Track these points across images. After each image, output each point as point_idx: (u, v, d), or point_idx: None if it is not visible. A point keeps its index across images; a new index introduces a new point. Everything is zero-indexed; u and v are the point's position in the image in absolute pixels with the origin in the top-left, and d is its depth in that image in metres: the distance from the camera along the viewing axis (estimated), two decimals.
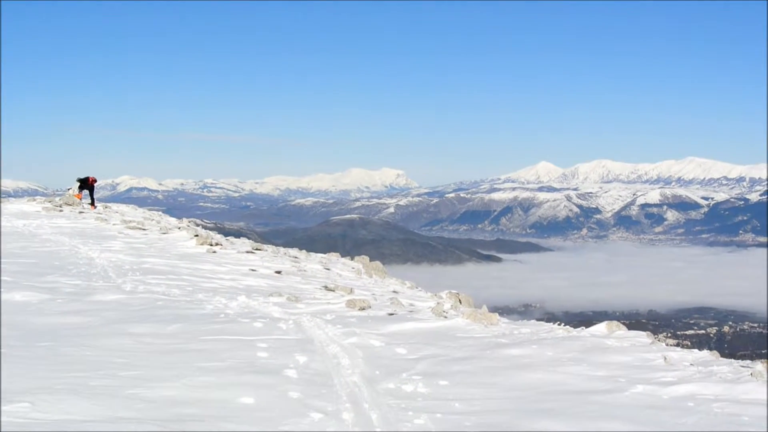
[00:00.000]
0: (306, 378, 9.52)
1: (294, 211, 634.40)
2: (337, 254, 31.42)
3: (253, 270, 21.79)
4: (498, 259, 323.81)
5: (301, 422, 7.84)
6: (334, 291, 18.80)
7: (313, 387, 9.14)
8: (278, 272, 22.00)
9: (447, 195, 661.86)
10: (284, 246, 35.50)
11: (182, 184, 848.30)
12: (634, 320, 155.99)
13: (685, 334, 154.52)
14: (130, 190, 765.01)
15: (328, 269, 25.43)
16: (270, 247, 30.52)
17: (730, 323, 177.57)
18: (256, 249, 27.84)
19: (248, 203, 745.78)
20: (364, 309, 15.75)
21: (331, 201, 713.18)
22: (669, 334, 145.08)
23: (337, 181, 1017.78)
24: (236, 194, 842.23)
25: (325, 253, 31.73)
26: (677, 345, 19.13)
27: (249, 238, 35.94)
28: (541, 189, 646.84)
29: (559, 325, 15.83)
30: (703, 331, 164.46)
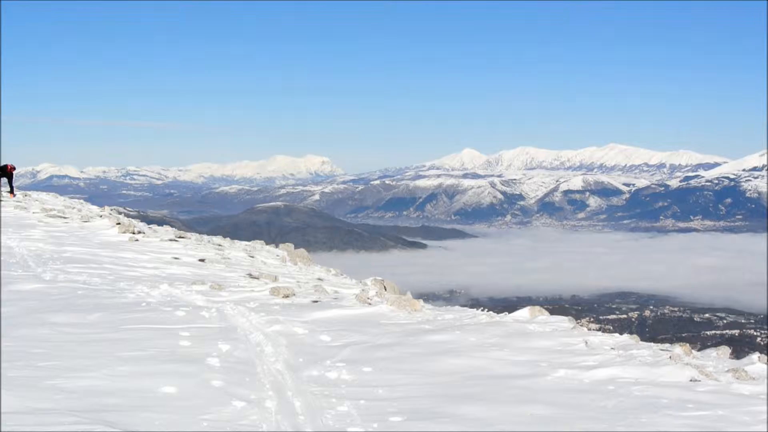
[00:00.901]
0: (229, 366, 9.47)
1: (218, 198, 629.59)
2: (262, 242, 31.25)
3: (176, 258, 21.59)
4: (423, 246, 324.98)
5: (224, 411, 7.81)
6: (258, 279, 18.71)
7: (236, 375, 9.10)
8: (202, 260, 21.83)
9: (372, 182, 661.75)
10: (208, 234, 35.20)
11: (104, 171, 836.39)
12: (557, 305, 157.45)
13: (608, 319, 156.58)
14: (50, 177, 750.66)
15: (253, 257, 25.30)
16: (194, 235, 30.25)
17: (651, 307, 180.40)
18: (180, 237, 27.58)
19: (172, 191, 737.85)
20: (288, 296, 15.69)
21: (255, 188, 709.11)
22: (592, 319, 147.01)
23: (261, 168, 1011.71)
24: (159, 182, 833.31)
25: (249, 240, 31.53)
26: (600, 329, 19.46)
27: (172, 226, 35.60)
28: (465, 176, 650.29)
29: (482, 310, 15.93)
30: (624, 316, 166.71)
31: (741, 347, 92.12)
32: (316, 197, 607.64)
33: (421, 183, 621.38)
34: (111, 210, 37.28)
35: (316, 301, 15.41)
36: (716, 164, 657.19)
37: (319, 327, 12.56)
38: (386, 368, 10.12)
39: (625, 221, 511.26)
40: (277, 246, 29.82)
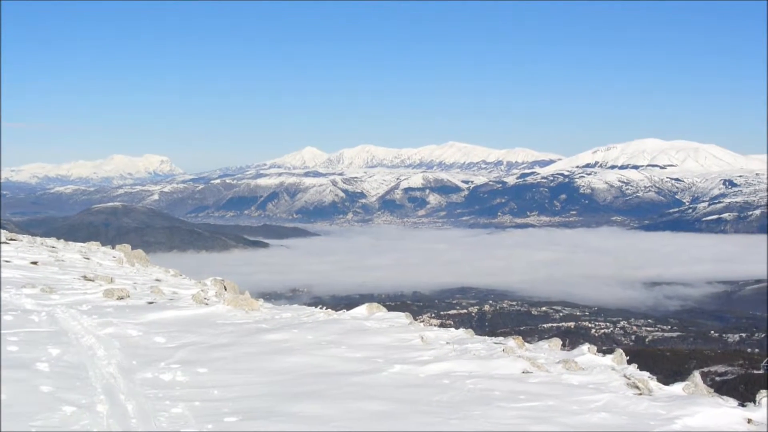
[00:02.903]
0: (59, 371, 9.21)
1: (53, 199, 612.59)
2: (98, 243, 30.57)
3: (6, 261, 20.92)
4: (265, 245, 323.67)
5: (53, 417, 7.59)
6: (93, 281, 18.31)
7: (66, 380, 8.86)
8: (34, 263, 21.21)
9: (213, 181, 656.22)
10: (42, 236, 34.28)
11: None
12: (399, 302, 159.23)
13: (449, 314, 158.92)
14: None
15: (88, 259, 24.72)
16: (26, 237, 29.41)
17: (491, 302, 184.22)
18: (11, 239, 26.75)
19: (4, 192, 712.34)
20: (122, 298, 15.42)
21: (92, 189, 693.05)
22: (433, 315, 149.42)
23: (98, 168, 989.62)
24: None
25: (85, 242, 30.83)
26: (440, 325, 19.78)
27: (4, 229, 34.48)
28: (307, 174, 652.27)
29: (321, 308, 16.01)
30: (465, 311, 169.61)
31: (576, 339, 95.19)
32: (156, 197, 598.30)
33: (262, 182, 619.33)
34: None
35: (152, 303, 15.19)
36: (551, 161, 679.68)
37: (154, 329, 12.38)
38: (222, 368, 10.06)
39: (464, 218, 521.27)
40: (113, 247, 29.24)
